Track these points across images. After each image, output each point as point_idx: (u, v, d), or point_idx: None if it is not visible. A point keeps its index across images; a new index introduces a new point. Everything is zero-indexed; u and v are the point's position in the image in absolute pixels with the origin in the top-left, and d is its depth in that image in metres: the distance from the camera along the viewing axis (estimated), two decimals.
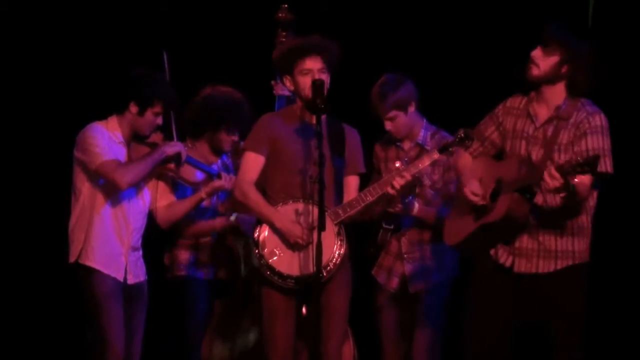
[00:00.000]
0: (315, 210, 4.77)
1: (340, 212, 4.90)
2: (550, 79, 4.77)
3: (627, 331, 6.42)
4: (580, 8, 6.21)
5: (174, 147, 5.30)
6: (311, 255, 4.79)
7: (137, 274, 5.36)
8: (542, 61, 4.75)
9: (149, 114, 5.28)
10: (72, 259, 5.26)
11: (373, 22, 6.65)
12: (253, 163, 4.98)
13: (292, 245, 4.88)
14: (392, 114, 5.59)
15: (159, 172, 5.43)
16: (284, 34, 5.67)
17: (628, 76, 6.28)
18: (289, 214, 4.89)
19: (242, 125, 5.62)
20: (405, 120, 5.62)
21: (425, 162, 4.97)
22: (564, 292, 4.79)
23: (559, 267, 4.79)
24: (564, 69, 4.75)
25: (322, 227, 4.69)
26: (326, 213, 4.78)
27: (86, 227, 5.25)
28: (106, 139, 5.25)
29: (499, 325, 4.80)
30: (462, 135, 4.85)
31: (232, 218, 5.57)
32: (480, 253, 4.87)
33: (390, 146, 5.76)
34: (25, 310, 6.74)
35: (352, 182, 5.06)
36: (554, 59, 4.74)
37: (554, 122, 4.78)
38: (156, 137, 5.38)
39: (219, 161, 5.76)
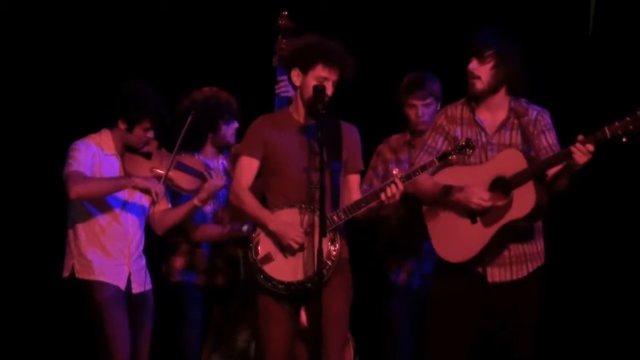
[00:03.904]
0: (312, 215, 4.77)
1: (335, 218, 4.81)
2: (494, 87, 4.88)
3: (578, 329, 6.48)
4: (581, 11, 6.22)
5: (145, 183, 5.24)
6: (303, 262, 4.78)
7: (141, 283, 5.36)
8: (482, 73, 4.86)
9: (137, 130, 5.30)
10: (65, 274, 5.28)
11: (372, 28, 6.65)
12: (247, 167, 4.91)
13: (286, 249, 4.82)
14: (429, 100, 5.64)
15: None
16: (284, 41, 5.66)
17: (629, 79, 6.29)
18: (284, 217, 4.83)
19: (233, 112, 5.70)
20: (434, 112, 5.62)
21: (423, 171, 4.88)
22: (532, 294, 4.88)
23: (530, 270, 4.88)
24: (502, 74, 4.85)
25: (323, 232, 4.65)
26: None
27: (79, 241, 5.26)
28: (90, 154, 5.26)
29: (466, 337, 4.86)
30: (464, 143, 4.78)
31: (244, 228, 5.51)
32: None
33: (403, 147, 5.75)
34: (26, 322, 6.74)
35: (353, 181, 4.99)
36: (491, 68, 4.84)
37: (509, 125, 4.89)
38: (150, 147, 5.38)
39: (221, 167, 5.75)
